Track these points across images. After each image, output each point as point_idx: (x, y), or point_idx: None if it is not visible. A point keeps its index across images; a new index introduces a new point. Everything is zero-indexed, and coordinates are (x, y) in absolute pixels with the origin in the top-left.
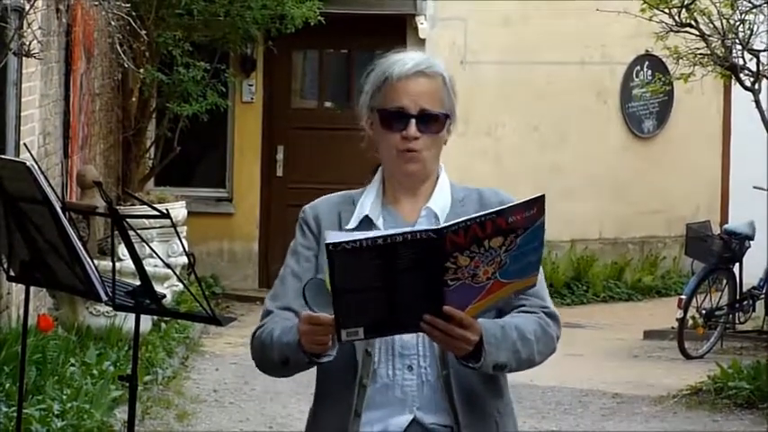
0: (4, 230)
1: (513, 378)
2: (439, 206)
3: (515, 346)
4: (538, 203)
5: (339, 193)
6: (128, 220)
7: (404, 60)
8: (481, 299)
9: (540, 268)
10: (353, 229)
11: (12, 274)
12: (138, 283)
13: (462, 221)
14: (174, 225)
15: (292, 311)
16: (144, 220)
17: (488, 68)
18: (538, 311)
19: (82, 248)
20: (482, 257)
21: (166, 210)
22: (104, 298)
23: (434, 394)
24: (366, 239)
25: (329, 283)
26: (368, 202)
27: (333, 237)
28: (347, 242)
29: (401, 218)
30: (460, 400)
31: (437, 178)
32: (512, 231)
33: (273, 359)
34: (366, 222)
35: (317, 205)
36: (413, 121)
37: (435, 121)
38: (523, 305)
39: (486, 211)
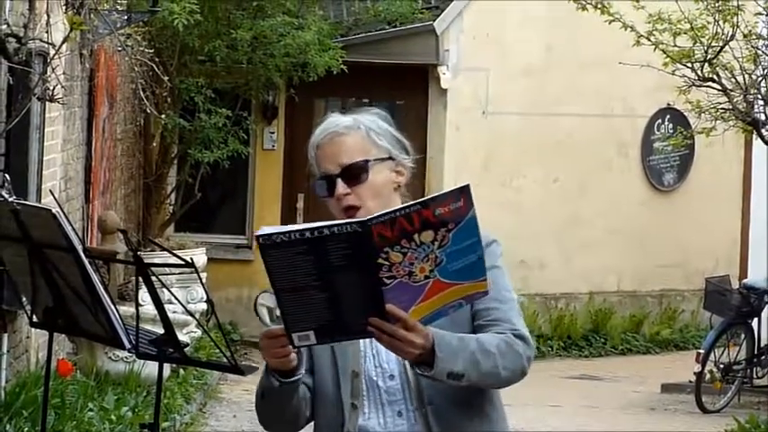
0: (29, 276)
1: (529, 427)
2: None
3: (474, 357)
4: (464, 194)
5: None
6: (151, 268)
7: (320, 128)
8: (423, 300)
9: (515, 296)
10: None
11: (35, 320)
12: (159, 329)
13: (387, 213)
14: (198, 274)
15: None
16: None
17: (510, 119)
18: (506, 332)
19: (106, 296)
20: (415, 253)
21: (191, 259)
22: (128, 346)
23: None
24: (294, 231)
25: (269, 282)
26: None
27: (264, 230)
28: (276, 234)
29: None
30: None
31: None
32: (442, 225)
33: (258, 401)
34: None
35: None
36: (338, 180)
37: (360, 171)
38: (492, 329)
39: (411, 202)
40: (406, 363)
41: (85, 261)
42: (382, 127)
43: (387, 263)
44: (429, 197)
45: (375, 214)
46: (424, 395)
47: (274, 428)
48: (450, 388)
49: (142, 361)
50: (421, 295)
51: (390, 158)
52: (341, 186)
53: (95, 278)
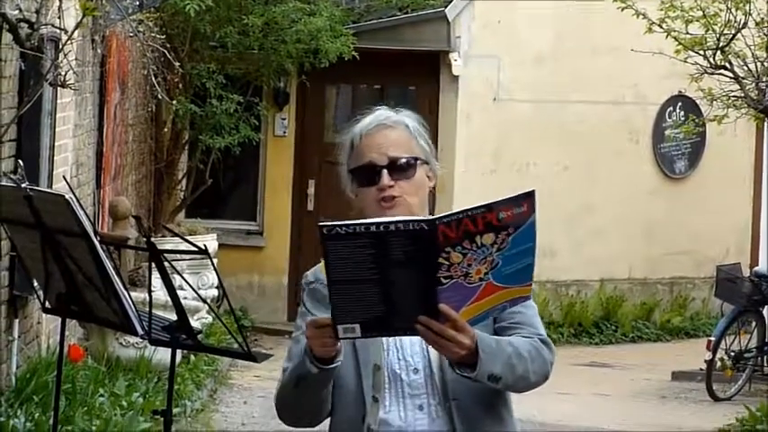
0: (41, 262)
1: (539, 414)
2: None
3: (510, 360)
4: (528, 200)
5: None
6: (164, 254)
7: (365, 119)
8: (474, 301)
9: (534, 304)
10: None
11: (48, 305)
12: (170, 316)
13: (454, 213)
14: (211, 260)
15: None
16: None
17: (521, 106)
18: (532, 336)
19: (120, 283)
20: (474, 255)
21: (204, 245)
22: (141, 332)
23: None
24: (360, 224)
25: (325, 272)
26: None
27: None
28: (341, 226)
29: None
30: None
31: None
32: (503, 229)
33: (290, 389)
34: None
35: (317, 271)
36: (384, 171)
37: (407, 166)
38: (517, 333)
39: (477, 205)
40: (431, 357)
41: (99, 247)
42: (420, 131)
43: (446, 263)
44: (494, 201)
45: (442, 214)
46: (449, 390)
47: (298, 419)
48: (474, 386)
49: (153, 347)
50: (473, 297)
51: (426, 162)
52: (386, 177)
53: (108, 264)
